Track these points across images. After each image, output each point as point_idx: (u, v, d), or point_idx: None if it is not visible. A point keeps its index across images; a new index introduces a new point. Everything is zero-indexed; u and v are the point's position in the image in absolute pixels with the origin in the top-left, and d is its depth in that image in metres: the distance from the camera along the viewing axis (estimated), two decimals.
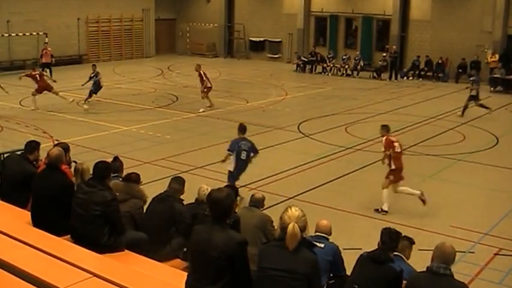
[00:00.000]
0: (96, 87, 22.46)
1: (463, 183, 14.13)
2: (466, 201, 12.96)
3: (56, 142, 13.14)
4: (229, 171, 12.17)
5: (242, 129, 12.50)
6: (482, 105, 21.56)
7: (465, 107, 21.38)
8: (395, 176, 12.03)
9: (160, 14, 39.10)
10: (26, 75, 21.96)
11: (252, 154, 12.30)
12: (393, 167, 12.02)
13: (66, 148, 8.54)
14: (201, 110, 21.35)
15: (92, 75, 22.73)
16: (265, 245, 5.40)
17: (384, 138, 12.22)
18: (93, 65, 23.74)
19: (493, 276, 9.34)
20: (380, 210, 11.95)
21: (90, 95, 22.23)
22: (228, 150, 12.25)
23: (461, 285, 5.37)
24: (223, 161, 12.39)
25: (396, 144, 12.13)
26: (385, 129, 12.40)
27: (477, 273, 9.40)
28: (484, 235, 10.91)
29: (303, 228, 4.98)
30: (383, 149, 12.21)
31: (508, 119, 22.15)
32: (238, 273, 4.96)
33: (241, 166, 12.17)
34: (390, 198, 12.02)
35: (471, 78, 22.53)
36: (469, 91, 21.76)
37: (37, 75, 21.76)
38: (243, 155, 12.09)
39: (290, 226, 4.83)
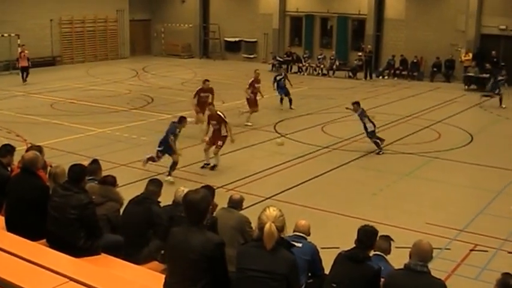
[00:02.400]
0: (281, 89, 22.06)
1: (438, 181, 14.25)
2: (441, 198, 13.08)
3: (29, 145, 12.96)
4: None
5: None
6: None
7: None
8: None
9: (135, 15, 38.83)
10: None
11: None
12: (225, 134, 14.59)
13: (39, 151, 8.41)
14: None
15: (280, 77, 22.31)
16: (243, 245, 5.39)
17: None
18: (280, 67, 23.63)
19: (469, 272, 9.44)
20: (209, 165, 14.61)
21: (282, 101, 22.06)
22: None
23: (438, 282, 5.41)
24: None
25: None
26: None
27: (453, 269, 9.50)
28: (460, 232, 11.02)
29: (281, 228, 4.98)
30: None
31: (482, 117, 22.42)
32: (216, 275, 4.94)
33: None
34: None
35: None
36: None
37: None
38: None
39: (267, 226, 4.83)
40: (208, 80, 18.86)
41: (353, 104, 16.75)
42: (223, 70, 33.31)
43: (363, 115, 16.37)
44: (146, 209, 7.44)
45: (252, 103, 19.94)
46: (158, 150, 13.83)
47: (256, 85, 20.06)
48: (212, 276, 4.90)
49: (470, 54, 29.39)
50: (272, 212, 4.97)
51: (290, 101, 22.14)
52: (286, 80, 22.39)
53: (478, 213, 12.05)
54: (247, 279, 4.93)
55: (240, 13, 37.40)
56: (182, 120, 14.03)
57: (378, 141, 16.38)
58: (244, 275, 4.96)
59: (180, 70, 33.32)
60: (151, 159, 13.97)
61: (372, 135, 16.35)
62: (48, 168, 8.35)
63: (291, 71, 32.77)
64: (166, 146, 13.70)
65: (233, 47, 38.11)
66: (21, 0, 31.99)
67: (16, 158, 8.78)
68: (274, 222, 4.87)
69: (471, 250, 10.24)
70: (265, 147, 16.91)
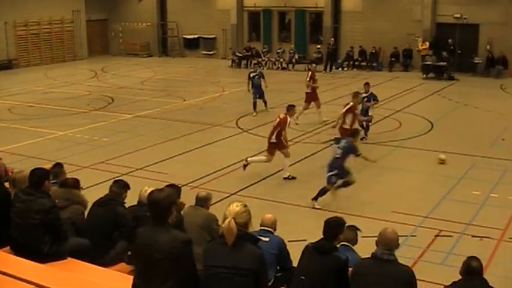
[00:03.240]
0: (256, 88, 20.29)
1: (401, 169, 14.44)
2: (405, 186, 13.26)
3: None
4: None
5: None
6: None
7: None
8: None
9: (92, 15, 38.27)
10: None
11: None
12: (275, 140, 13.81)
13: None
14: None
15: (254, 74, 20.59)
16: (209, 243, 5.38)
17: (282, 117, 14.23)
18: (255, 63, 22.07)
19: (435, 257, 9.60)
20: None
21: (256, 106, 20.21)
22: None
23: (405, 269, 5.50)
24: None
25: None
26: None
27: (420, 255, 9.64)
28: (425, 218, 11.20)
29: (244, 224, 4.99)
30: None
31: (440, 104, 22.78)
32: (184, 273, 4.91)
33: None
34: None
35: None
36: None
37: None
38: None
39: (226, 222, 4.87)
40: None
41: (364, 84, 17.39)
42: (182, 67, 33.16)
43: (371, 99, 16.87)
44: (111, 210, 7.35)
45: (310, 98, 19.49)
46: (331, 175, 11.85)
47: (315, 78, 19.54)
48: (180, 275, 4.87)
49: (427, 43, 29.88)
50: (235, 207, 4.98)
51: (265, 103, 20.65)
52: (262, 79, 20.78)
53: (441, 199, 12.26)
54: (214, 276, 4.93)
55: (197, 10, 37.21)
56: (356, 133, 13.09)
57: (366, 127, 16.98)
58: (210, 272, 4.95)
59: (139, 69, 33.04)
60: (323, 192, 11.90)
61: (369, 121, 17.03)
62: (10, 173, 8.19)
63: (250, 65, 32.77)
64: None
65: (192, 44, 37.92)
66: None
67: None
68: (236, 218, 4.89)
69: (436, 236, 10.42)
70: (227, 143, 16.87)
